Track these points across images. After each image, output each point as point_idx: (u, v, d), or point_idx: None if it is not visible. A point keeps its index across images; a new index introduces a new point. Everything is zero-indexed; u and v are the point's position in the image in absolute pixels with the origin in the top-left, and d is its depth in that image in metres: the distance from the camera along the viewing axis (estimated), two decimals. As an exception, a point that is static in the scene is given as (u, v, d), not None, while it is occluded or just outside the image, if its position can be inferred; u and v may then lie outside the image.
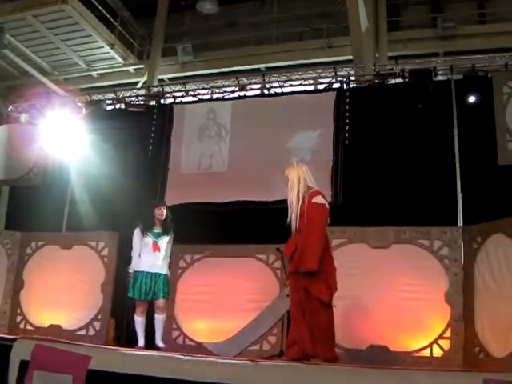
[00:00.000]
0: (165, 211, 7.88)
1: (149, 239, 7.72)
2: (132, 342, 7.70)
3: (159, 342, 7.57)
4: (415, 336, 7.34)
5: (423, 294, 7.42)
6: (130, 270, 7.76)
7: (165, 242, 7.81)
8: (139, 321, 7.63)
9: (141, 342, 7.57)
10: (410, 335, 7.35)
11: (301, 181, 6.11)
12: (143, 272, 7.62)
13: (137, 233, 7.81)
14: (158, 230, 7.82)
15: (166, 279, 7.74)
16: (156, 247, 7.70)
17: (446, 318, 7.26)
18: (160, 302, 7.63)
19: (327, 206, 6.03)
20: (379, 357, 7.11)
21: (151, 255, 7.67)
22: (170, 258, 8.08)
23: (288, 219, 6.06)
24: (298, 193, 6.06)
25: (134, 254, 7.77)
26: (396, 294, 7.52)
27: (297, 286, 5.90)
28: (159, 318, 7.65)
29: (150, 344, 7.52)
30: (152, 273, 7.61)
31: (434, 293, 7.38)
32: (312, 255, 5.74)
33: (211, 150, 10.09)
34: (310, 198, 6.00)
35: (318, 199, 5.99)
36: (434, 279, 7.45)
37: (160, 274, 7.65)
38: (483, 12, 12.66)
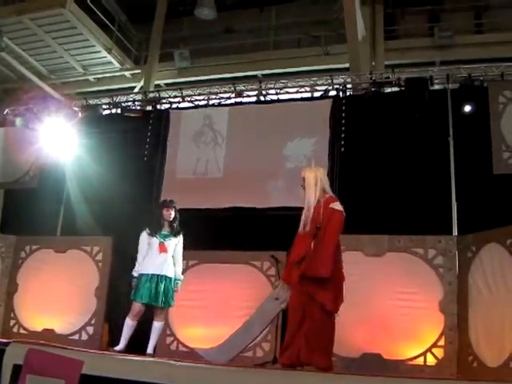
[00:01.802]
0: (173, 212, 7.50)
1: (155, 240, 7.36)
2: (126, 347, 7.55)
3: (151, 351, 7.28)
4: (409, 344, 7.34)
5: (417, 302, 7.42)
6: (135, 274, 7.35)
7: (173, 243, 7.44)
8: (130, 324, 7.27)
9: (121, 345, 7.21)
10: (404, 343, 7.36)
11: (318, 183, 5.99)
12: (147, 274, 7.24)
13: (143, 236, 7.48)
14: (165, 231, 7.48)
15: (173, 284, 7.40)
16: (163, 248, 7.33)
17: (440, 327, 7.27)
18: (160, 309, 7.31)
19: (344, 213, 5.91)
20: (373, 365, 7.10)
21: (157, 257, 7.30)
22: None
23: (303, 220, 5.91)
24: (315, 195, 5.94)
25: (139, 257, 7.42)
26: (390, 302, 7.52)
27: (299, 291, 5.77)
28: (157, 326, 7.35)
29: (138, 350, 7.37)
30: (158, 275, 7.24)
31: (429, 301, 7.38)
32: (326, 261, 5.64)
33: (207, 156, 10.09)
34: (326, 202, 5.88)
35: (336, 205, 5.88)
36: (428, 288, 7.45)
37: (166, 277, 7.29)
38: (480, 22, 12.70)
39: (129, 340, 7.29)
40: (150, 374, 4.68)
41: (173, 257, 7.47)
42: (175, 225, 7.54)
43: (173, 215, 7.51)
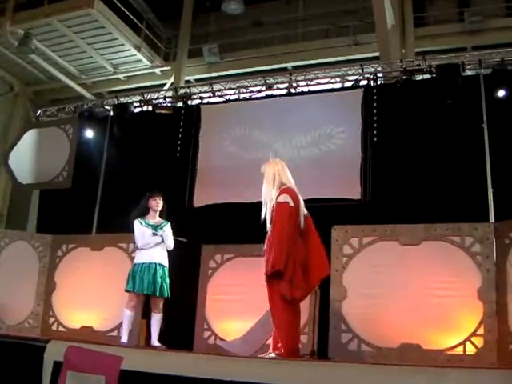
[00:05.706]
0: (161, 202, 7.70)
1: (148, 230, 7.51)
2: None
3: (155, 342, 7.32)
4: (448, 334, 7.25)
5: (455, 291, 7.32)
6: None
7: (162, 232, 7.56)
8: (128, 315, 7.36)
9: (124, 338, 7.29)
10: (443, 333, 7.26)
11: (276, 177, 6.04)
12: (144, 263, 7.37)
13: (137, 225, 7.56)
14: (154, 220, 7.64)
15: (167, 274, 7.49)
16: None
17: (479, 315, 7.16)
18: (158, 299, 7.40)
19: (290, 204, 5.87)
20: (411, 355, 7.04)
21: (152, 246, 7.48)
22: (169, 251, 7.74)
23: (262, 218, 6.08)
24: (272, 191, 6.00)
25: (141, 243, 7.53)
26: (428, 291, 7.42)
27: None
28: (156, 318, 7.42)
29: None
30: (154, 263, 7.36)
31: (467, 290, 7.28)
32: (278, 255, 5.73)
33: (239, 151, 10.08)
34: (276, 197, 5.92)
35: (280, 198, 5.88)
36: (465, 276, 7.34)
37: (162, 265, 7.42)
38: (510, 5, 12.51)
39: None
40: (189, 368, 4.71)
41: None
42: (163, 214, 7.75)
43: (161, 205, 7.71)
